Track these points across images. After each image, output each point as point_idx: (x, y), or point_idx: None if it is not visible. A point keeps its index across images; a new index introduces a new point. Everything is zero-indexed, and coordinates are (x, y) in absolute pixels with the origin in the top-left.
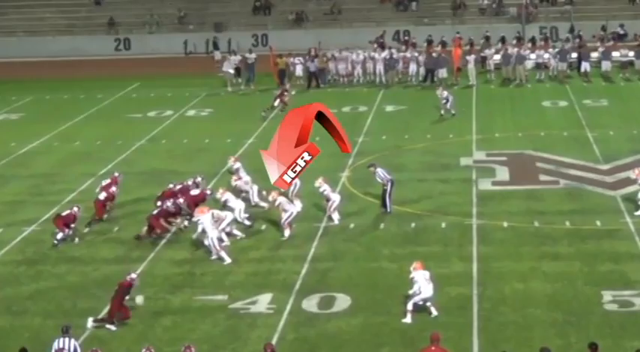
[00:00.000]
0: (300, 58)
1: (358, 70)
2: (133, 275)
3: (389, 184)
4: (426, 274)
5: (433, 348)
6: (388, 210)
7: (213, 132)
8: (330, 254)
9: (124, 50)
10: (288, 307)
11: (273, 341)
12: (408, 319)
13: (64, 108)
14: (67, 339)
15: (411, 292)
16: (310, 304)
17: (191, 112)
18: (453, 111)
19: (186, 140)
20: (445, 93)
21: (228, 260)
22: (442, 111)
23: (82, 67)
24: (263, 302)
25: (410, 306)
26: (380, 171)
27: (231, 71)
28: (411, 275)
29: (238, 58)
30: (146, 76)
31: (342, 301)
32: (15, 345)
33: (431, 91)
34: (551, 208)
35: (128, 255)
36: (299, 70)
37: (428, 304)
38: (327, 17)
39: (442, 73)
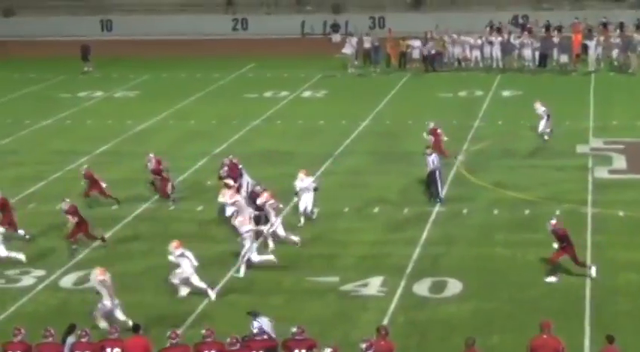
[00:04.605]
0: (418, 42)
1: (476, 53)
2: None
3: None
4: None
5: (545, 336)
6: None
7: (328, 114)
8: (443, 238)
9: (242, 30)
10: (400, 290)
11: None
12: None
13: (181, 86)
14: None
15: None
16: (421, 288)
17: (306, 93)
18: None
19: (301, 121)
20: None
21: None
22: None
23: (199, 46)
24: (374, 284)
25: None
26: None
27: (349, 52)
28: None
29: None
30: (262, 57)
31: (454, 286)
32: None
33: (547, 76)
34: None
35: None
36: (416, 54)
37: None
38: (445, 0)
39: (563, 58)
